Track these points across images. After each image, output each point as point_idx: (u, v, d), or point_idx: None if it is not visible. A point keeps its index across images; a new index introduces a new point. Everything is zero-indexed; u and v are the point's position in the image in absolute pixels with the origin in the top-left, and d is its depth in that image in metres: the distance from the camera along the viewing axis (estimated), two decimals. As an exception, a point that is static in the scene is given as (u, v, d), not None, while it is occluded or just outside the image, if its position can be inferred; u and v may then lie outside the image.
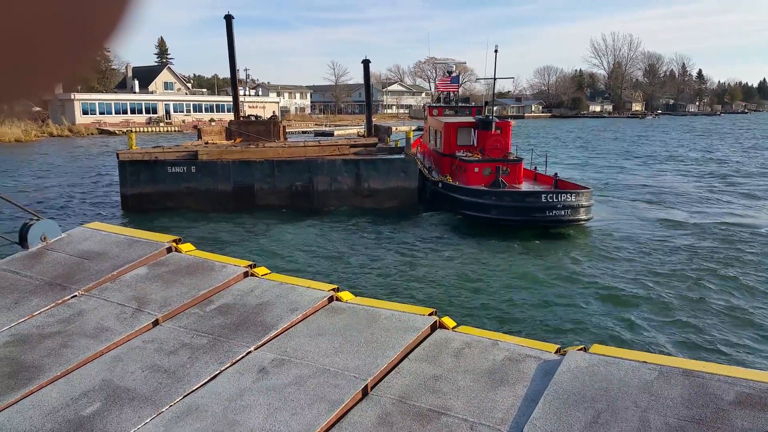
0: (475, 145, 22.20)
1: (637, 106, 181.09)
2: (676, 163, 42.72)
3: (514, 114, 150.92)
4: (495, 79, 28.85)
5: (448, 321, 5.00)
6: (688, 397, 3.76)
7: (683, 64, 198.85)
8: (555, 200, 17.96)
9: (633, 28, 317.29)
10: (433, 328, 4.80)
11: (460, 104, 30.77)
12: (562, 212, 17.93)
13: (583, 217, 18.28)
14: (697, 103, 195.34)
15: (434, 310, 5.10)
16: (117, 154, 23.73)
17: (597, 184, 29.44)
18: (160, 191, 22.88)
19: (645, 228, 19.55)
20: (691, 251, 16.48)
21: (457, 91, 32.84)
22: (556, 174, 20.22)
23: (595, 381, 3.99)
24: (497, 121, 22.40)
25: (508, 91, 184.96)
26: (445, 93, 32.16)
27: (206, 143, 27.73)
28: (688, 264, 15.26)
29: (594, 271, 14.78)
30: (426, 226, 20.26)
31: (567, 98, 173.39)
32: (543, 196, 18.13)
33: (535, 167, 22.34)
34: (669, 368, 4.12)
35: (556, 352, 4.49)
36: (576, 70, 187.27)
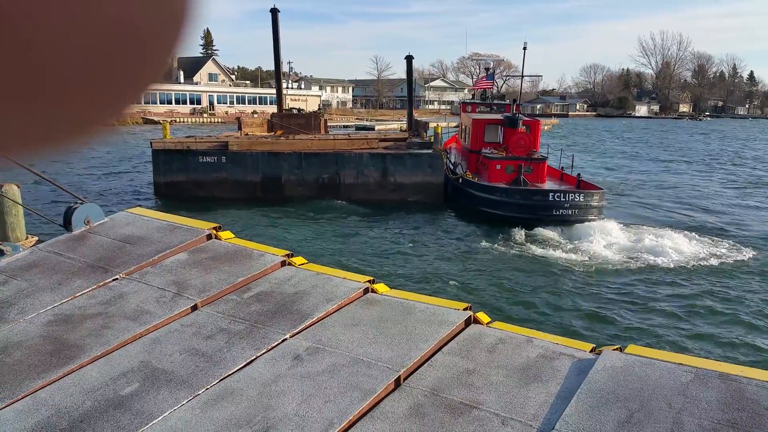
0: (502, 142, 22.14)
1: (684, 108, 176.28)
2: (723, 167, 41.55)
3: (558, 112, 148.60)
4: (522, 76, 28.52)
5: (482, 316, 4.96)
6: (723, 401, 3.67)
7: (734, 65, 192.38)
8: (562, 200, 18.18)
9: (683, 27, 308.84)
10: (468, 322, 4.77)
11: (495, 101, 30.58)
12: (570, 212, 18.15)
13: (593, 217, 18.31)
14: (747, 106, 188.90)
15: (469, 305, 5.06)
16: (151, 143, 24.46)
17: (635, 185, 28.86)
18: (192, 180, 23.53)
19: (679, 230, 19.14)
20: (729, 256, 16.03)
21: (492, 88, 32.57)
22: (579, 174, 20.16)
23: (629, 381, 3.91)
24: (525, 119, 22.36)
25: (553, 89, 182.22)
26: (481, 90, 32.05)
27: (246, 135, 28.12)
28: (724, 268, 14.86)
29: (630, 273, 14.52)
30: (453, 221, 20.29)
31: (613, 97, 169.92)
32: (551, 195, 18.36)
33: (562, 167, 22.17)
34: (705, 371, 4.01)
35: (590, 351, 4.41)
36: (623, 69, 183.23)
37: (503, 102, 29.43)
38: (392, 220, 20.32)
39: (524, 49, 24.90)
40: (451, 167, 24.10)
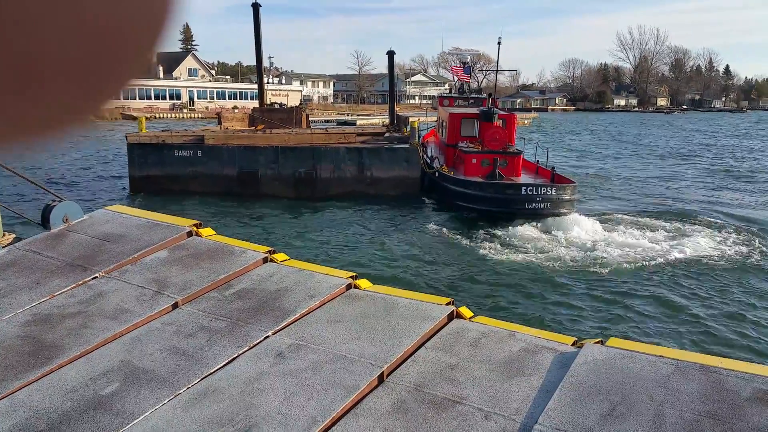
0: (478, 136, 22.31)
1: (662, 101, 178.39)
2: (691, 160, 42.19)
3: (538, 107, 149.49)
4: (497, 71, 28.70)
5: (465, 311, 4.98)
6: (704, 393, 3.72)
7: (710, 59, 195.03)
8: (534, 193, 18.33)
9: (660, 21, 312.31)
10: (450, 317, 4.79)
11: (473, 95, 30.76)
12: (542, 205, 18.29)
13: (565, 210, 18.55)
14: (723, 99, 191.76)
15: (451, 299, 5.08)
16: (126, 137, 24.24)
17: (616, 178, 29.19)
18: (167, 174, 23.39)
19: (659, 222, 19.43)
20: (709, 247, 16.27)
21: (469, 81, 32.79)
22: (553, 168, 20.42)
23: (611, 374, 3.96)
24: (500, 113, 22.59)
25: (532, 84, 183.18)
26: (459, 82, 32.22)
27: (225, 129, 27.95)
28: (705, 260, 15.08)
29: (606, 265, 14.68)
30: (430, 216, 20.41)
31: (592, 91, 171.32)
32: (523, 188, 18.52)
33: (537, 161, 22.43)
34: (686, 363, 4.07)
35: (572, 345, 4.45)
36: (601, 64, 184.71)
37: (480, 96, 29.56)
38: (370, 215, 20.36)
39: (498, 44, 25.20)
40: (428, 161, 24.24)
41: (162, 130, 26.93)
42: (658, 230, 18.04)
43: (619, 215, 20.27)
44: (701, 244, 16.40)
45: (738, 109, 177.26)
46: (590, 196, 24.82)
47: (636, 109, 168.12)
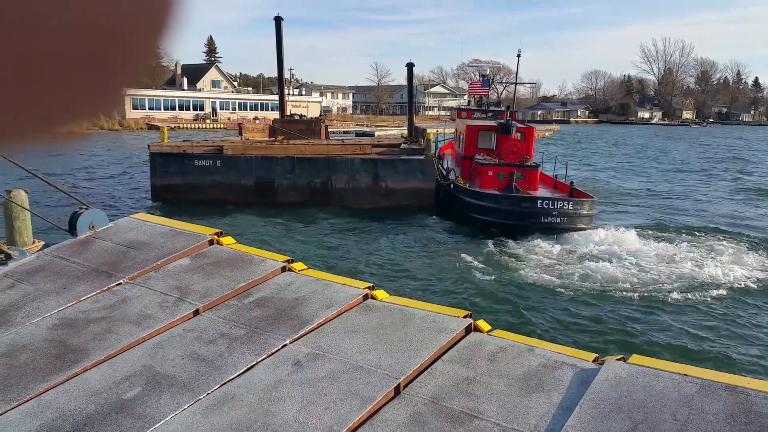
0: (495, 149, 22.21)
1: (687, 114, 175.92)
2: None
3: (559, 119, 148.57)
4: (516, 83, 28.70)
5: (483, 324, 4.98)
6: (730, 413, 3.65)
7: (738, 71, 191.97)
8: (551, 207, 18.08)
9: (685, 33, 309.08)
10: (468, 330, 4.79)
11: (491, 108, 30.72)
12: (558, 219, 18.06)
13: (582, 225, 18.28)
14: (752, 113, 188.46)
15: (469, 312, 5.08)
16: (148, 146, 24.78)
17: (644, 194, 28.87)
18: (187, 183, 23.87)
19: (682, 238, 19.13)
20: (734, 265, 15.99)
21: (487, 94, 32.83)
22: (572, 182, 20.19)
23: (633, 392, 3.91)
24: (519, 126, 22.47)
25: (554, 95, 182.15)
26: (477, 96, 32.24)
27: (246, 140, 28.33)
28: (729, 278, 14.81)
29: (632, 281, 14.49)
30: (445, 227, 20.35)
31: (615, 104, 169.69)
32: (539, 202, 18.28)
33: (556, 175, 22.22)
34: (711, 382, 4.00)
35: (593, 361, 4.42)
36: (625, 76, 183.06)
37: (499, 109, 29.54)
38: (385, 226, 20.39)
39: (518, 56, 25.22)
40: (444, 173, 24.19)
41: (183, 141, 27.46)
42: (682, 247, 17.74)
43: (641, 231, 20.00)
44: (725, 261, 16.15)
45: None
46: (612, 211, 24.57)
47: (661, 121, 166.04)
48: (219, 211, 21.90)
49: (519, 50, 24.58)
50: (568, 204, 18.23)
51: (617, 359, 4.43)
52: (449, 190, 22.23)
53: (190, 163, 23.94)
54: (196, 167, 23.90)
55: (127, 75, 0.59)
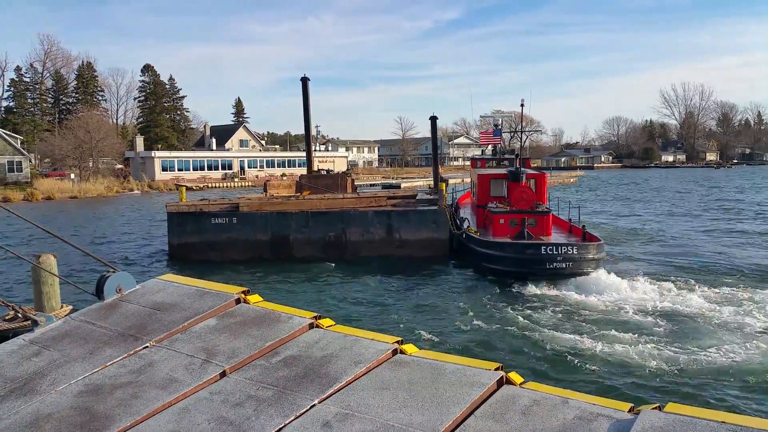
0: (506, 196, 22.31)
1: (711, 156, 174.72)
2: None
3: (583, 164, 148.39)
4: (522, 131, 29.07)
5: (515, 376, 4.82)
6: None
7: (758, 112, 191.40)
8: (555, 252, 17.86)
9: (704, 77, 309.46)
10: (500, 383, 4.64)
11: (505, 156, 31.05)
12: (563, 264, 17.81)
13: (589, 269, 17.97)
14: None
15: (500, 364, 4.94)
16: (166, 206, 25.33)
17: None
18: (204, 241, 24.22)
19: (705, 281, 18.67)
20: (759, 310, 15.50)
21: (500, 143, 33.37)
22: (584, 226, 20.03)
23: (673, 443, 3.73)
24: (529, 173, 22.64)
25: (576, 142, 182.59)
26: (491, 146, 32.83)
27: (270, 196, 28.78)
28: (758, 323, 14.34)
29: (665, 325, 14.12)
30: (461, 277, 20.28)
31: (638, 148, 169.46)
32: (543, 248, 18.07)
33: (570, 219, 22.07)
34: (750, 430, 3.80)
35: (629, 411, 4.23)
36: (646, 121, 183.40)
37: (511, 157, 29.81)
38: (401, 278, 20.38)
39: (521, 106, 25.78)
40: (457, 222, 24.24)
41: (200, 199, 28.13)
42: (706, 290, 17.35)
43: (658, 274, 19.70)
44: (751, 307, 15.67)
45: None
46: (630, 253, 24.21)
47: (684, 164, 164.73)
48: (235, 268, 22.11)
49: (522, 100, 25.30)
50: (573, 249, 18.01)
51: (653, 408, 4.25)
52: (461, 240, 22.28)
53: (206, 221, 24.42)
54: (212, 225, 24.34)
55: None
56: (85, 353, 5.16)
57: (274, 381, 4.69)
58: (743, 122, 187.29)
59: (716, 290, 17.20)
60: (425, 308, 16.34)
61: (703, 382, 10.75)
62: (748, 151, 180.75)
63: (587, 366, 11.59)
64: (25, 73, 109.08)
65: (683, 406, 4.42)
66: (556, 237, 20.20)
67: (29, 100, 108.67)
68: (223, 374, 4.82)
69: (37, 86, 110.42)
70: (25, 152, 79.09)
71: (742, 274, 19.98)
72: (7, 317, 5.87)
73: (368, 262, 22.42)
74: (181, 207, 25.02)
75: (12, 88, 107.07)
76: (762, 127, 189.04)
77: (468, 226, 22.46)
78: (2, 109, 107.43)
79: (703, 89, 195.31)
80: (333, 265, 22.07)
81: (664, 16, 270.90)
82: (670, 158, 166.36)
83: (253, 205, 25.04)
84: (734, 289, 17.41)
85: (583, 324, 14.24)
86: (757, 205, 47.32)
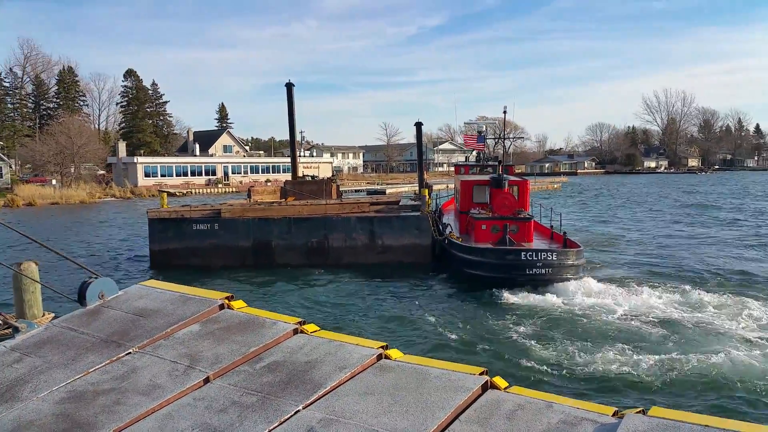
0: (489, 202, 22.45)
1: (693, 162, 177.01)
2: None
3: (567, 170, 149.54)
4: (504, 138, 29.40)
5: (499, 381, 4.85)
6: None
7: (739, 119, 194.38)
8: (534, 258, 17.93)
9: (686, 84, 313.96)
10: (485, 388, 4.66)
11: (489, 162, 31.28)
12: (543, 270, 17.88)
13: (568, 276, 18.06)
14: (756, 158, 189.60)
15: (485, 369, 4.96)
16: (147, 212, 25.16)
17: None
18: (186, 247, 24.08)
19: (693, 286, 18.89)
20: (746, 314, 15.73)
21: (483, 149, 33.67)
22: (565, 233, 20.23)
23: (656, 447, 3.77)
24: (512, 179, 22.83)
25: (560, 148, 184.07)
26: (476, 151, 33.04)
27: (254, 202, 28.68)
28: (743, 325, 14.55)
29: (646, 330, 14.25)
30: (444, 283, 20.34)
31: (621, 154, 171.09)
32: (522, 254, 18.13)
33: (551, 226, 22.28)
34: (735, 434, 3.86)
35: (613, 415, 4.27)
36: (629, 127, 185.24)
37: (494, 163, 30.02)
38: (384, 283, 20.44)
39: (504, 113, 26.15)
40: (440, 228, 24.29)
41: (182, 206, 27.93)
42: (688, 295, 17.55)
43: (639, 279, 19.92)
44: (733, 312, 15.88)
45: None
46: (611, 259, 24.45)
47: (667, 170, 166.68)
48: (218, 274, 22.01)
49: (505, 107, 25.53)
50: (552, 255, 18.10)
51: (637, 412, 4.29)
52: (444, 246, 22.36)
53: (188, 227, 24.23)
54: (194, 231, 24.16)
55: None
56: (67, 360, 5.11)
57: (258, 387, 4.67)
58: (724, 128, 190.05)
59: (699, 295, 17.42)
60: (408, 313, 16.36)
61: (686, 386, 10.86)
62: (729, 157, 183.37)
63: (570, 371, 11.67)
64: (5, 77, 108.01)
65: (667, 410, 4.46)
66: (537, 243, 20.32)
67: (9, 105, 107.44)
68: (206, 380, 4.79)
69: (17, 91, 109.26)
70: (5, 158, 78.15)
71: (723, 279, 20.27)
72: (-13, 324, 5.80)
73: (351, 268, 22.42)
74: (162, 213, 24.83)
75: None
76: (743, 134, 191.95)
77: (450, 232, 22.53)
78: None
79: (685, 95, 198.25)
80: (315, 271, 22.04)
81: (647, 24, 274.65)
82: (653, 164, 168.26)
83: (235, 211, 24.93)
84: (717, 294, 17.63)
85: (566, 330, 14.33)
86: (738, 210, 48.01)
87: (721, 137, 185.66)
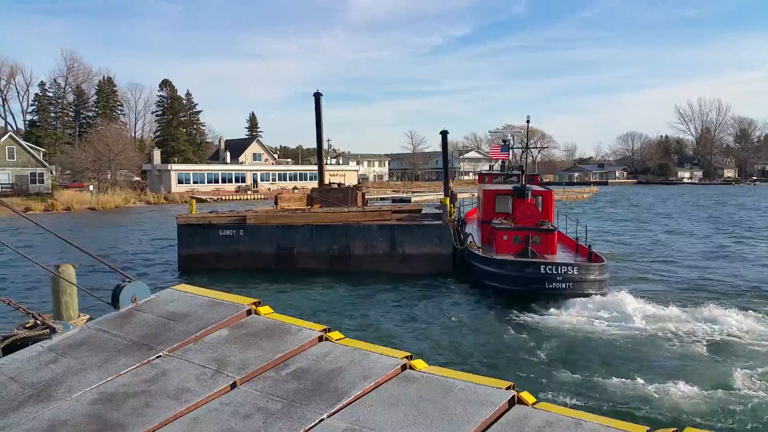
0: (511, 212, 22.07)
1: (729, 173, 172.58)
2: None
3: (597, 180, 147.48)
4: (527, 148, 29.03)
5: (527, 396, 4.79)
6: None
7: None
8: (554, 272, 17.39)
9: (720, 92, 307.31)
10: (511, 403, 4.62)
11: (514, 171, 30.95)
12: (563, 285, 17.28)
13: (591, 291, 17.42)
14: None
15: (512, 383, 4.91)
16: (176, 218, 25.71)
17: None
18: (212, 252, 24.53)
19: (726, 303, 18.36)
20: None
21: (507, 158, 33.43)
22: (590, 245, 19.69)
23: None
24: (535, 189, 22.39)
25: (590, 157, 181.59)
26: (500, 161, 32.79)
27: (281, 210, 28.98)
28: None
29: (681, 348, 13.93)
30: (464, 294, 20.13)
31: (653, 164, 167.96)
32: (542, 267, 17.61)
33: (577, 238, 21.71)
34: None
35: (644, 434, 4.19)
36: (661, 136, 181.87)
37: (518, 173, 29.73)
38: (405, 292, 20.36)
39: (527, 122, 25.85)
40: (461, 238, 24.01)
41: (209, 212, 28.47)
42: (721, 312, 16.92)
43: (670, 295, 19.39)
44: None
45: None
46: (640, 274, 23.97)
47: (701, 181, 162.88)
48: (242, 279, 22.27)
49: (528, 116, 25.33)
50: (573, 269, 17.49)
51: (670, 432, 4.20)
52: (464, 255, 22.09)
53: (215, 233, 24.77)
54: (220, 237, 24.69)
55: None
56: (100, 361, 5.23)
57: (283, 393, 4.72)
58: (763, 138, 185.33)
59: (732, 312, 16.83)
60: (427, 324, 16.25)
61: (721, 407, 10.53)
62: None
63: (599, 388, 11.42)
64: (49, 88, 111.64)
65: (701, 431, 4.35)
66: (561, 256, 19.78)
67: (52, 114, 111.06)
68: (233, 385, 4.85)
69: (59, 100, 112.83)
70: (46, 164, 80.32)
71: (759, 295, 19.69)
72: (27, 325, 5.97)
73: (371, 275, 22.44)
74: (190, 219, 25.42)
75: (36, 103, 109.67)
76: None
77: (471, 242, 22.27)
78: (26, 122, 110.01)
79: (720, 104, 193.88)
80: (337, 278, 22.12)
81: (677, 32, 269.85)
82: (687, 174, 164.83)
83: (260, 218, 25.30)
84: (751, 311, 17.10)
85: (593, 345, 14.05)
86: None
87: (759, 147, 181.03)
